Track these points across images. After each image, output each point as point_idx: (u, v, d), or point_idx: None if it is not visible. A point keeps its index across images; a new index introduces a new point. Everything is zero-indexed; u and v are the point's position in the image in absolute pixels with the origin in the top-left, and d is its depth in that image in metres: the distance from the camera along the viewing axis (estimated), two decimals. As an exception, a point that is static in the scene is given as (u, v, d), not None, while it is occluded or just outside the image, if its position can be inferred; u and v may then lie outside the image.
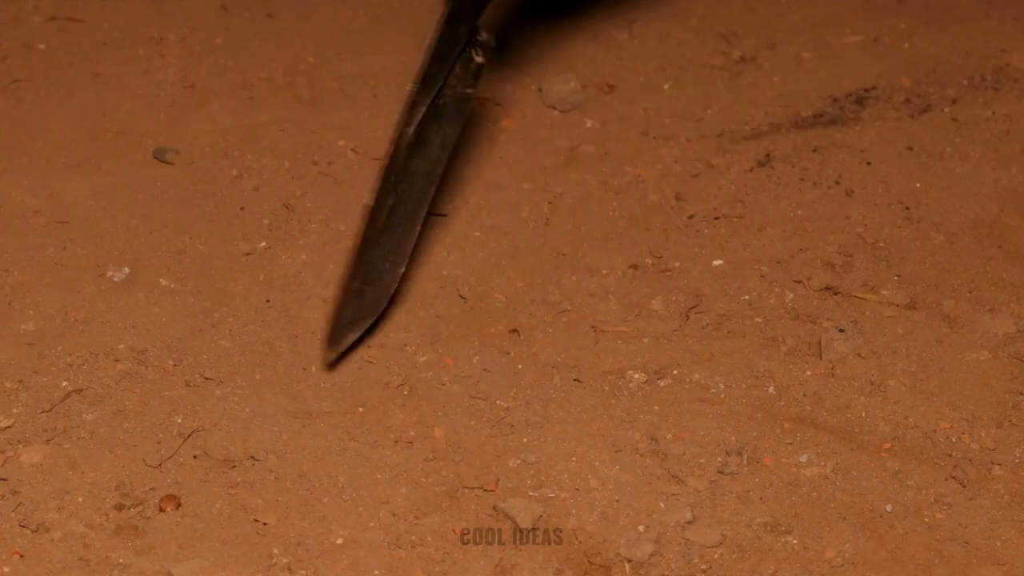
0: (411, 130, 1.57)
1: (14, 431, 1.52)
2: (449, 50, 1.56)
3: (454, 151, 1.62)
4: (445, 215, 1.84)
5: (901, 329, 1.69)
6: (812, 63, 2.16)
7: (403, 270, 1.62)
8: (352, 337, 1.61)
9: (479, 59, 1.57)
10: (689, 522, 1.45)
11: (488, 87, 2.09)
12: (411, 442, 1.53)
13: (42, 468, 1.48)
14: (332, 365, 1.61)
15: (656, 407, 1.58)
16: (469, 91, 1.58)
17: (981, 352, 1.65)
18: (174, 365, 1.61)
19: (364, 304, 1.61)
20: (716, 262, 1.78)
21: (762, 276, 1.76)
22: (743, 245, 1.81)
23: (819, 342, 1.66)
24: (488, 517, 1.45)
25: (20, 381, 1.58)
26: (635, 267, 1.77)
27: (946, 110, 2.05)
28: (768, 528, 1.45)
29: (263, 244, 1.80)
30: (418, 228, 1.62)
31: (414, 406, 1.57)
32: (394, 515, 1.45)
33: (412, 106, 1.58)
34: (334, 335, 1.60)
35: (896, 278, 1.76)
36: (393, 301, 1.63)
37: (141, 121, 2.00)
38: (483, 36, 1.57)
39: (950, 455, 1.53)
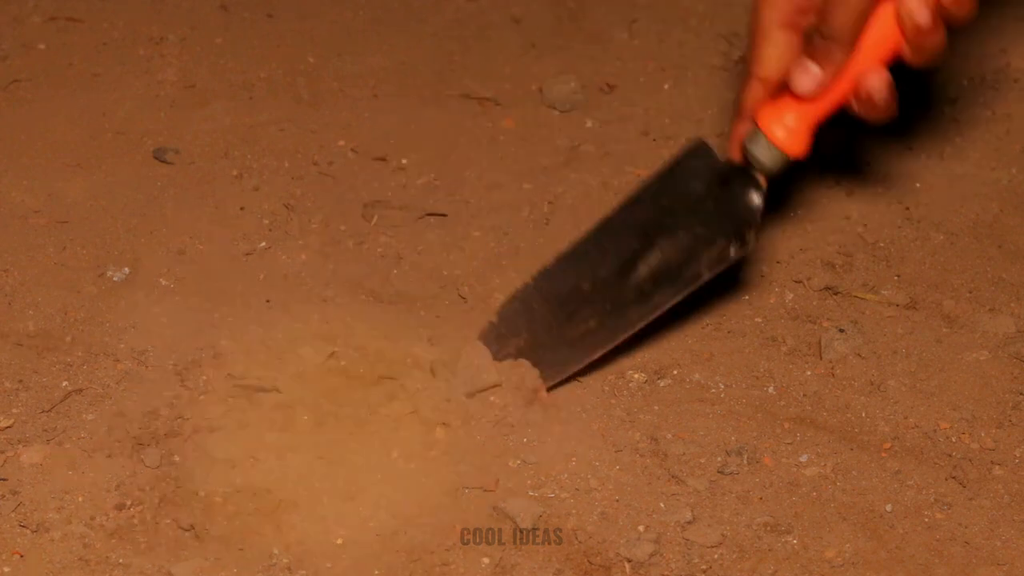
0: (653, 259, 1.52)
1: (14, 431, 1.52)
2: (727, 206, 1.50)
3: (680, 299, 1.54)
4: (445, 215, 1.84)
5: (901, 329, 1.69)
6: (812, 63, 2.16)
7: (573, 372, 1.57)
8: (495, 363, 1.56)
9: (734, 253, 1.49)
10: (689, 522, 1.45)
11: (488, 87, 2.09)
12: (411, 442, 1.53)
13: (42, 468, 1.48)
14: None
15: (656, 407, 1.58)
16: (732, 257, 1.50)
17: (981, 352, 1.65)
18: (174, 365, 1.61)
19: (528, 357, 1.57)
20: (716, 262, 1.78)
21: (762, 276, 1.76)
22: (743, 245, 1.81)
23: (819, 342, 1.66)
24: (488, 517, 1.45)
25: (20, 381, 1.58)
26: (635, 267, 1.77)
27: (946, 110, 2.05)
28: (768, 528, 1.45)
29: (263, 244, 1.80)
30: (609, 349, 1.57)
31: (414, 406, 1.57)
32: (394, 515, 1.45)
33: (658, 229, 1.52)
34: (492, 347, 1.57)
35: (896, 278, 1.76)
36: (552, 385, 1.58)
37: (141, 121, 2.00)
38: (745, 231, 1.48)
39: (950, 455, 1.53)
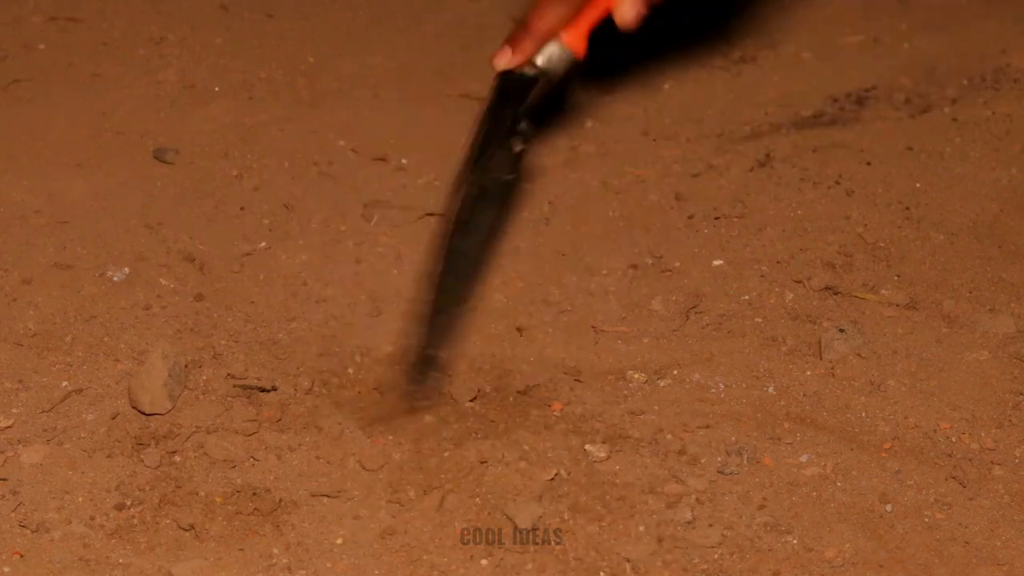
0: (460, 210, 1.58)
1: (14, 431, 1.52)
2: (492, 134, 1.57)
3: (497, 234, 1.61)
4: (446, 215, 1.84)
5: (901, 329, 1.69)
6: (812, 63, 2.16)
7: (441, 347, 1.61)
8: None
9: (518, 148, 1.57)
10: (689, 522, 1.45)
11: (488, 87, 2.08)
12: (412, 442, 1.53)
13: (42, 468, 1.49)
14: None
15: (656, 407, 1.58)
16: (509, 178, 1.58)
17: (981, 352, 1.65)
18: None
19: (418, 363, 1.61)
20: (716, 262, 1.78)
21: (762, 276, 1.76)
22: (743, 245, 1.81)
23: (819, 342, 1.66)
24: (488, 517, 1.45)
25: (20, 381, 1.58)
26: (635, 267, 1.77)
27: (946, 110, 2.05)
28: (768, 528, 1.45)
29: (263, 244, 1.80)
30: (461, 307, 1.62)
31: (415, 406, 1.57)
32: (394, 515, 1.45)
33: (459, 186, 1.59)
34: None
35: (896, 278, 1.76)
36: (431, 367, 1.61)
37: (141, 121, 2.00)
38: (523, 125, 1.57)
39: (950, 455, 1.53)
